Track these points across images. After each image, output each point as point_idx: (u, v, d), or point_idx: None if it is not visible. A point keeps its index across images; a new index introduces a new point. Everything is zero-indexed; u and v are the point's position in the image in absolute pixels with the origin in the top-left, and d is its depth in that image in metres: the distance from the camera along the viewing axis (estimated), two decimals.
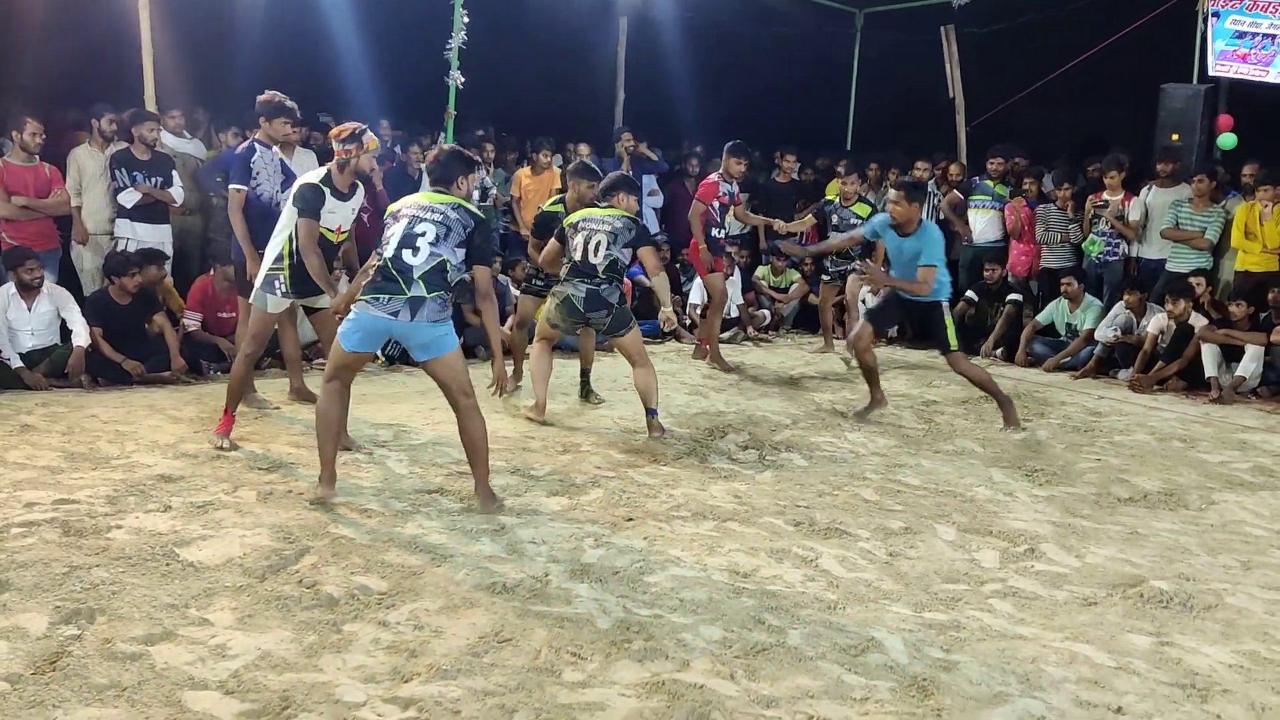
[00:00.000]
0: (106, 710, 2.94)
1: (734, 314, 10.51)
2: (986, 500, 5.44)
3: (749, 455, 6.11)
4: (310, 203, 5.58)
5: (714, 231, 8.72)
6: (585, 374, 7.48)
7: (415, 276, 4.69)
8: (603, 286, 6.50)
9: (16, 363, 6.91)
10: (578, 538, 4.53)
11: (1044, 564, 4.54)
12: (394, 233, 4.81)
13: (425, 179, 9.78)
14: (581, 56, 12.08)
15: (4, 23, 8.79)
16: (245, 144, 6.70)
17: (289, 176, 6.50)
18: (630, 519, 4.83)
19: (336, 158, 5.67)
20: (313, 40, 9.93)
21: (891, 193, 7.01)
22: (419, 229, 4.77)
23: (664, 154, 12.07)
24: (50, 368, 7.03)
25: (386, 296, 4.70)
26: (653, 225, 11.54)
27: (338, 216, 5.77)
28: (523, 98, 11.60)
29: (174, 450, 5.56)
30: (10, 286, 7.05)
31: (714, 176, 8.69)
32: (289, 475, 5.23)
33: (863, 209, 9.25)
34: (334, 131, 5.81)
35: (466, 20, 9.38)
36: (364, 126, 5.75)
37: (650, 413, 6.40)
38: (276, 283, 5.75)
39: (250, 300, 5.97)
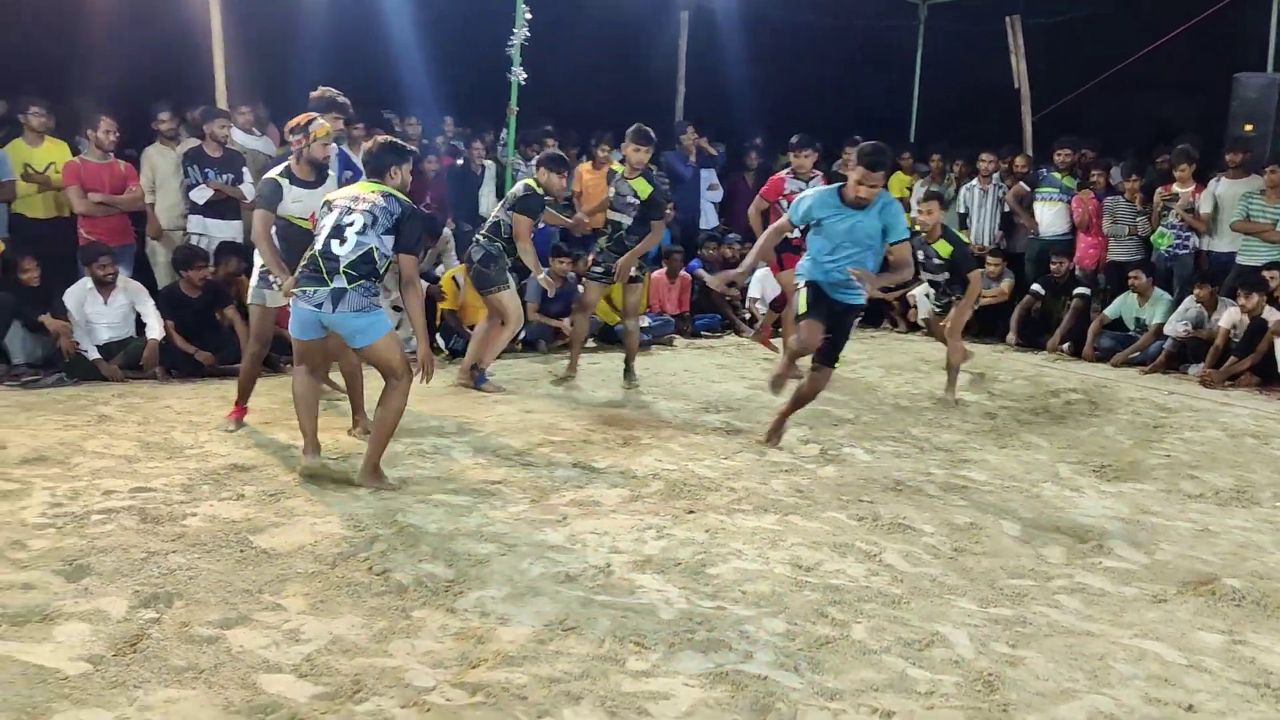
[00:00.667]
0: (185, 691, 3.03)
1: None
2: (1053, 496, 5.37)
3: (810, 449, 6.09)
4: (265, 196, 5.71)
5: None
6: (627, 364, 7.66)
7: (341, 268, 4.82)
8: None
9: (94, 355, 7.12)
10: (639, 529, 4.56)
11: (1112, 560, 4.48)
12: (324, 224, 4.97)
13: (486, 174, 9.94)
14: (642, 51, 12.08)
15: (80, 24, 9.02)
16: None
17: (355, 172, 6.60)
18: (691, 511, 4.85)
19: (292, 149, 5.86)
20: (377, 38, 10.05)
21: (856, 166, 5.61)
22: (347, 220, 4.91)
23: (724, 148, 12.05)
24: (126, 360, 7.22)
25: (313, 289, 4.87)
26: (711, 219, 11.55)
27: (305, 205, 5.75)
28: (583, 93, 11.63)
29: (246, 440, 5.68)
30: (87, 281, 7.26)
31: (782, 173, 8.24)
32: (357, 466, 5.31)
33: None
34: (288, 124, 5.98)
35: (529, 16, 9.44)
36: (313, 116, 5.91)
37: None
38: (271, 277, 5.81)
39: (248, 300, 6.06)
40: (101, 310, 7.27)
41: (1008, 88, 11.74)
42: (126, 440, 5.62)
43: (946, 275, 7.70)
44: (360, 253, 4.85)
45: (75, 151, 8.05)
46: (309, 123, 5.83)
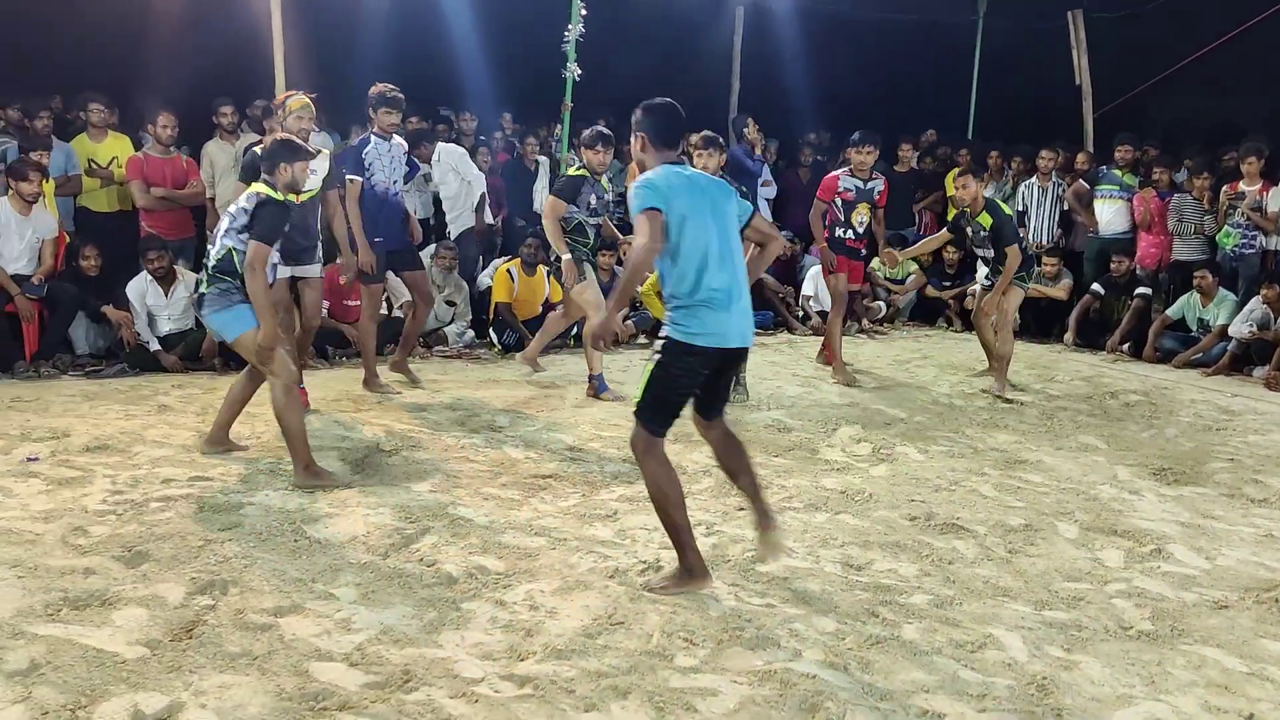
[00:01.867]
0: (239, 677, 3.08)
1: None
2: (1111, 499, 5.27)
3: (862, 449, 6.04)
4: (245, 169, 6.03)
5: (838, 231, 7.93)
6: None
7: (209, 271, 5.06)
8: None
9: (154, 346, 7.26)
10: None
11: (1172, 565, 4.39)
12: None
13: (540, 169, 9.96)
14: (696, 46, 12.06)
15: (143, 21, 9.20)
16: (361, 136, 6.93)
17: (413, 168, 6.68)
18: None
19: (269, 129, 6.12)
20: (434, 34, 10.14)
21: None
22: (220, 225, 5.15)
23: (778, 145, 11.99)
24: (185, 351, 7.35)
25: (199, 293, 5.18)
26: (765, 216, 11.47)
27: None
28: (637, 89, 11.61)
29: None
30: (147, 274, 7.39)
31: (837, 171, 8.00)
32: (410, 458, 5.36)
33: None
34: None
35: (584, 13, 9.46)
36: (292, 93, 6.27)
37: None
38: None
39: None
40: (162, 302, 7.41)
41: (1068, 84, 11.56)
42: (185, 430, 5.72)
43: (993, 252, 7.57)
44: (221, 255, 5.04)
45: (138, 146, 8.22)
46: (286, 99, 6.16)
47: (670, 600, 3.75)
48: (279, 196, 5.11)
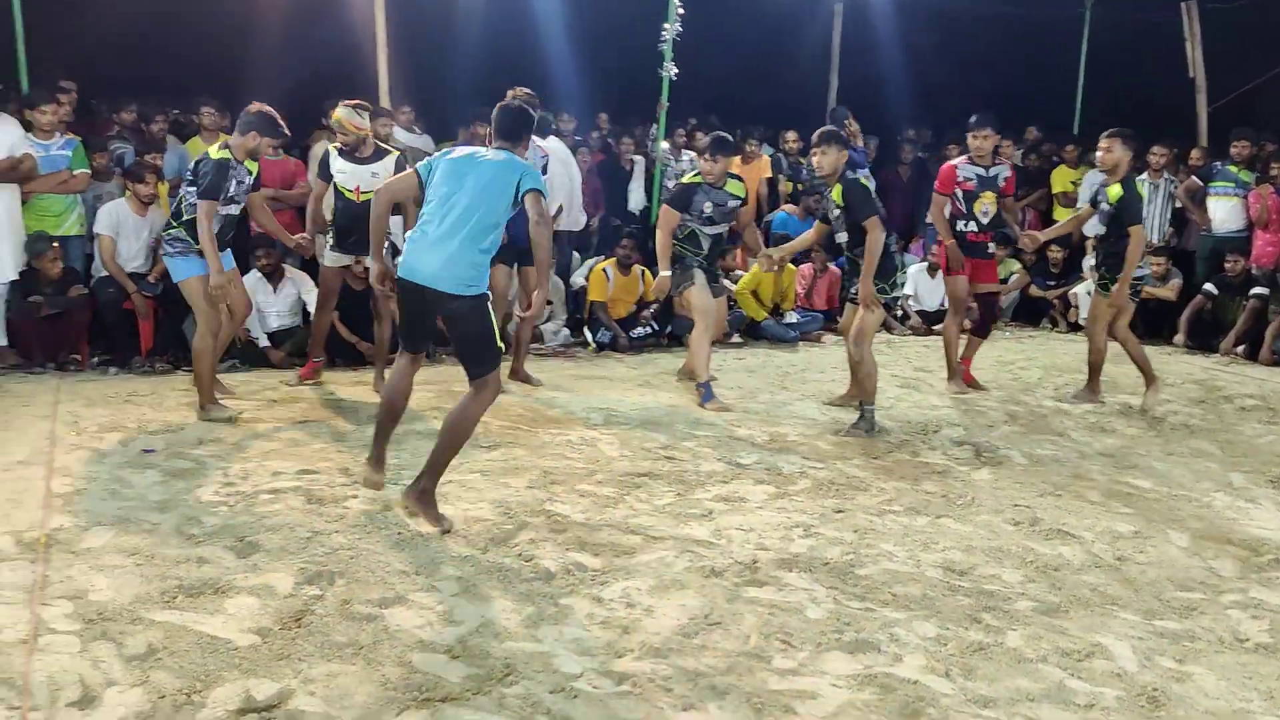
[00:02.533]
0: (345, 666, 3.15)
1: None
2: (1225, 506, 5.09)
3: (964, 452, 5.92)
4: (321, 165, 6.90)
5: (958, 224, 7.29)
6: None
7: (170, 218, 6.06)
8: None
9: (264, 342, 7.48)
10: (786, 527, 4.52)
11: None
12: None
13: (635, 169, 10.00)
14: (793, 44, 11.96)
15: (252, 27, 9.47)
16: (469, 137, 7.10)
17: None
18: (840, 511, 4.78)
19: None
20: (532, 35, 10.23)
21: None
22: None
23: (877, 142, 11.83)
24: (293, 348, 7.56)
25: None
26: None
27: (349, 177, 6.68)
28: (734, 87, 11.59)
29: (404, 428, 5.83)
30: (257, 271, 7.62)
31: (953, 161, 7.41)
32: (507, 455, 5.43)
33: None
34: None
35: (681, 11, 9.46)
36: (344, 104, 6.75)
37: None
38: (326, 238, 6.87)
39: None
40: (271, 299, 7.63)
41: (1180, 77, 11.19)
42: (293, 424, 5.88)
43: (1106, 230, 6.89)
44: (175, 204, 6.05)
45: None
46: (333, 110, 6.76)
47: (767, 602, 3.73)
48: (219, 155, 5.87)
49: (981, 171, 7.25)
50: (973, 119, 7.29)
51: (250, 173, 6.15)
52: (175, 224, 5.94)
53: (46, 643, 3.20)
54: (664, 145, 9.90)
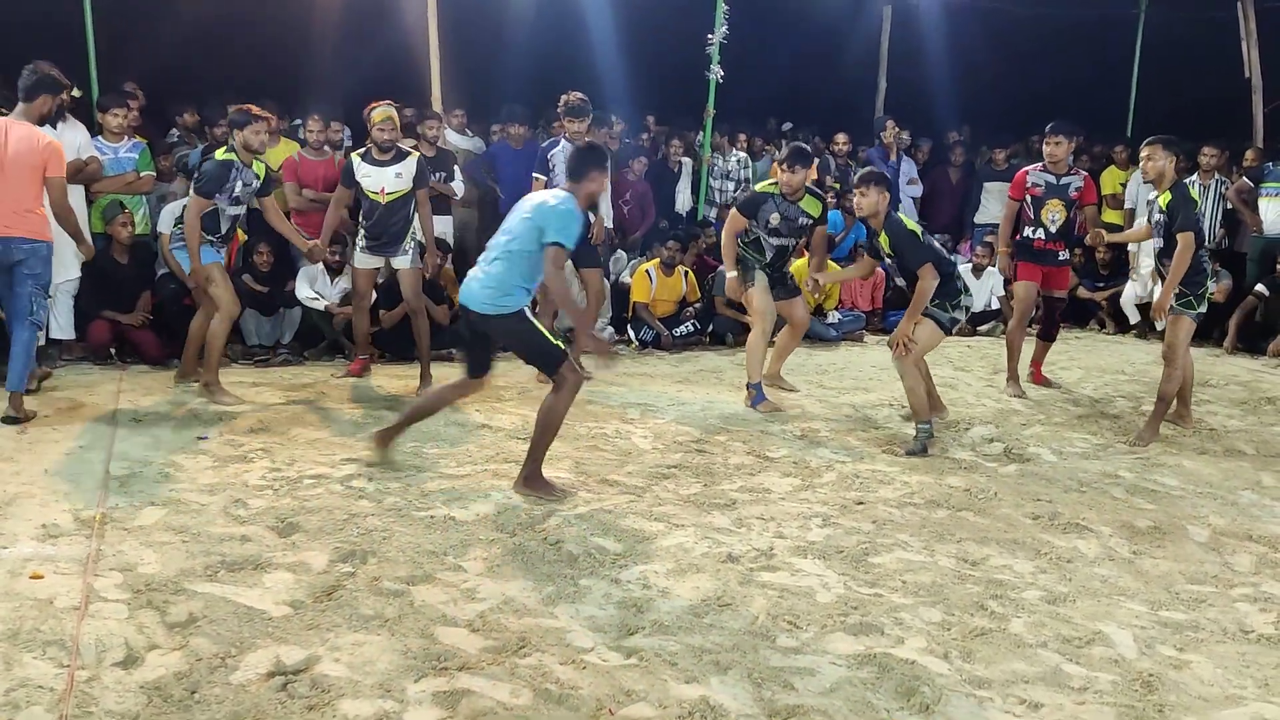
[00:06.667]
0: (370, 637, 3.35)
1: (994, 305, 10.22)
2: (1250, 504, 5.11)
3: (994, 448, 5.99)
4: (343, 172, 7.11)
5: (1026, 230, 7.32)
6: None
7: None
8: None
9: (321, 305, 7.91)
10: (805, 517, 4.64)
11: None
12: None
13: (683, 171, 10.11)
14: (841, 46, 12.02)
15: (310, 32, 9.80)
16: (552, 138, 7.69)
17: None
18: (861, 503, 4.89)
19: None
20: (580, 39, 10.41)
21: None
22: None
23: (929, 145, 11.85)
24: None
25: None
26: (911, 215, 11.36)
27: (374, 180, 6.91)
28: (782, 89, 11.69)
29: (445, 419, 6.03)
30: (319, 265, 7.87)
31: (1027, 167, 7.48)
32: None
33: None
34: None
35: (728, 15, 9.58)
36: (375, 104, 6.96)
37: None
38: (358, 240, 7.12)
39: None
40: (328, 290, 7.92)
41: (1235, 77, 11.06)
42: (340, 415, 6.12)
43: (1163, 242, 6.33)
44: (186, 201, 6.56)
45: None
46: (372, 109, 6.93)
47: (779, 586, 3.86)
48: (224, 156, 6.24)
49: (1052, 179, 7.26)
50: (1049, 126, 7.29)
51: (258, 176, 6.46)
52: (180, 222, 6.55)
53: (96, 609, 3.44)
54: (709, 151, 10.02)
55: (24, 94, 5.95)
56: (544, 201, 4.75)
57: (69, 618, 3.38)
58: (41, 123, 6.06)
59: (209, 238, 6.37)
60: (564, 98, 7.50)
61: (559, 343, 4.84)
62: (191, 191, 6.30)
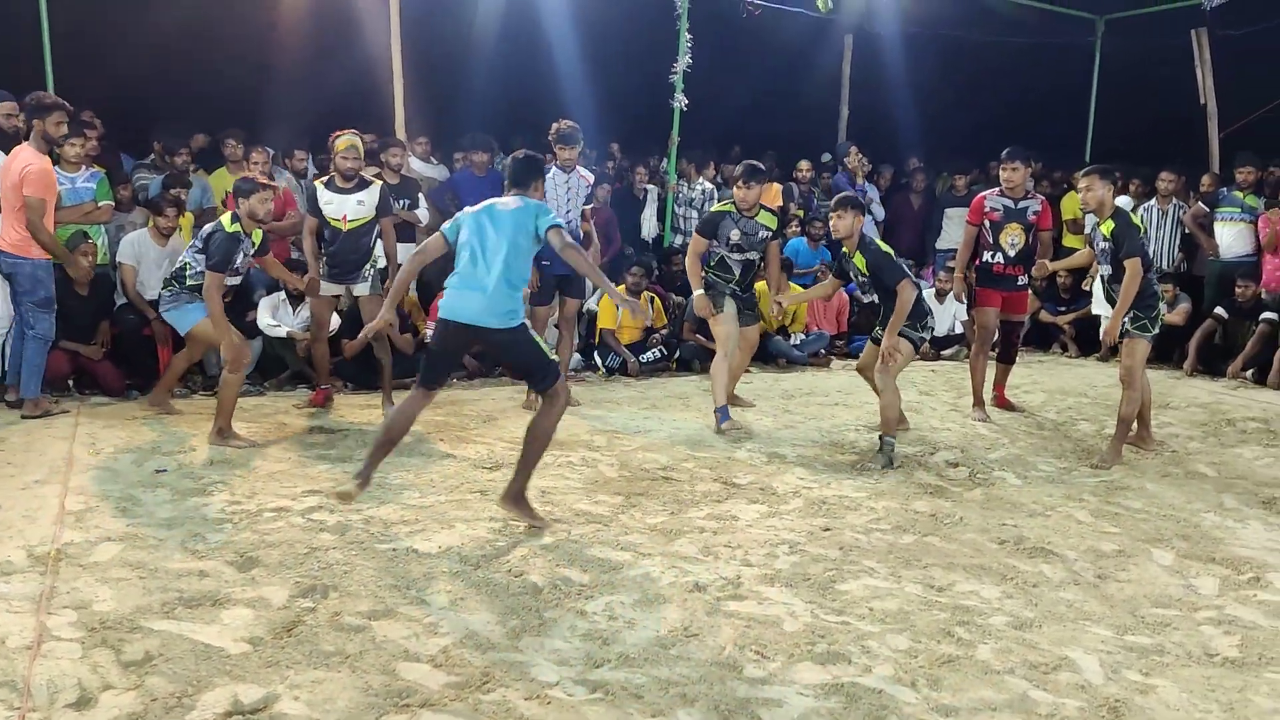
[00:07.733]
0: (331, 674, 3.28)
1: (958, 330, 10.29)
2: (1213, 526, 5.14)
3: (959, 473, 6.01)
4: (307, 199, 7.24)
5: (986, 255, 7.40)
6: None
7: (167, 278, 6.41)
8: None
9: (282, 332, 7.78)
10: (773, 544, 4.63)
11: (1269, 594, 4.27)
12: None
13: (648, 198, 10.11)
14: (803, 74, 12.14)
15: (273, 61, 9.76)
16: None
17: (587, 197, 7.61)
18: (827, 529, 4.88)
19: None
20: (545, 67, 10.43)
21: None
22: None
23: (892, 170, 11.97)
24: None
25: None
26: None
27: (336, 207, 6.91)
28: (745, 117, 11.77)
29: (407, 449, 5.98)
30: (281, 294, 7.81)
31: (985, 192, 7.56)
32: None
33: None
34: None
35: (691, 44, 9.65)
36: (340, 133, 6.96)
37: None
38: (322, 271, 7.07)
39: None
40: (289, 319, 7.83)
41: (1190, 104, 11.25)
42: (301, 447, 6.05)
43: (1110, 269, 6.43)
44: (178, 265, 6.32)
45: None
46: (335, 138, 6.96)
47: (745, 615, 3.84)
48: (232, 228, 6.16)
49: (1009, 203, 7.35)
50: (1005, 152, 7.39)
51: (255, 244, 6.46)
52: (176, 285, 6.26)
53: (49, 649, 3.36)
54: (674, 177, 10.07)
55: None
56: (509, 206, 4.72)
57: (21, 657, 3.30)
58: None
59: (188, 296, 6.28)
60: (555, 125, 7.51)
61: (555, 356, 4.86)
62: (206, 269, 6.09)
